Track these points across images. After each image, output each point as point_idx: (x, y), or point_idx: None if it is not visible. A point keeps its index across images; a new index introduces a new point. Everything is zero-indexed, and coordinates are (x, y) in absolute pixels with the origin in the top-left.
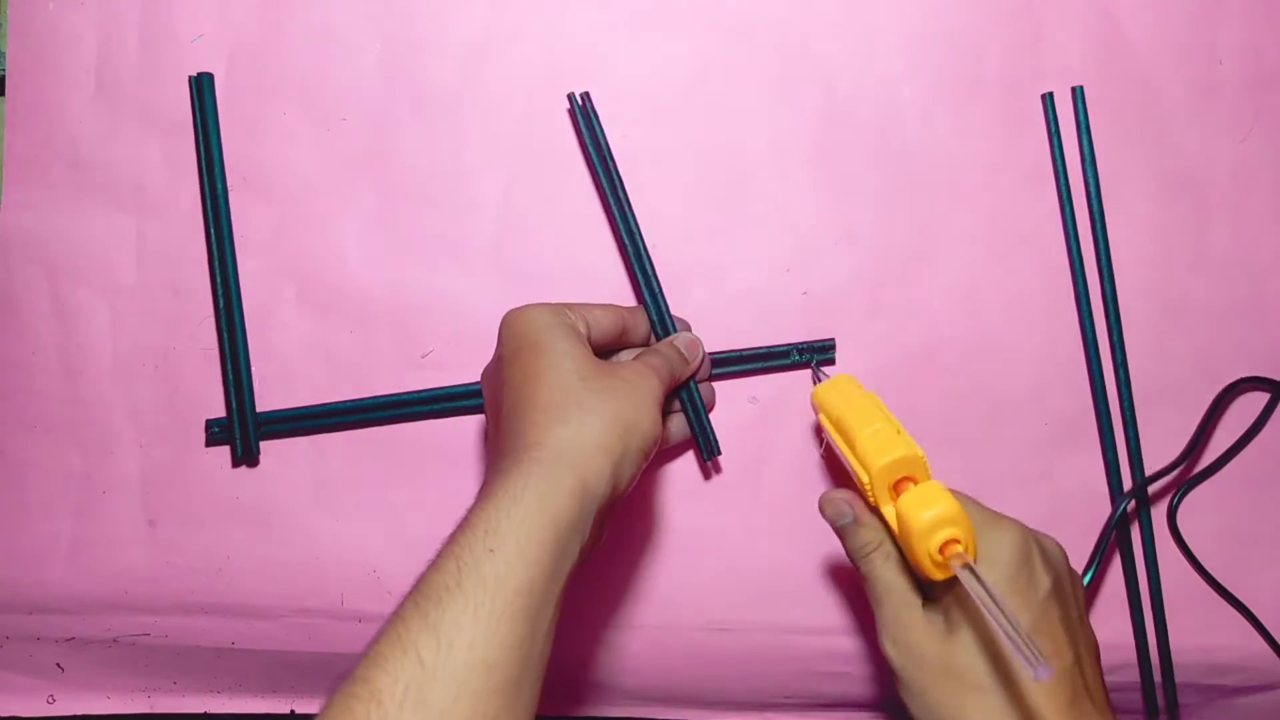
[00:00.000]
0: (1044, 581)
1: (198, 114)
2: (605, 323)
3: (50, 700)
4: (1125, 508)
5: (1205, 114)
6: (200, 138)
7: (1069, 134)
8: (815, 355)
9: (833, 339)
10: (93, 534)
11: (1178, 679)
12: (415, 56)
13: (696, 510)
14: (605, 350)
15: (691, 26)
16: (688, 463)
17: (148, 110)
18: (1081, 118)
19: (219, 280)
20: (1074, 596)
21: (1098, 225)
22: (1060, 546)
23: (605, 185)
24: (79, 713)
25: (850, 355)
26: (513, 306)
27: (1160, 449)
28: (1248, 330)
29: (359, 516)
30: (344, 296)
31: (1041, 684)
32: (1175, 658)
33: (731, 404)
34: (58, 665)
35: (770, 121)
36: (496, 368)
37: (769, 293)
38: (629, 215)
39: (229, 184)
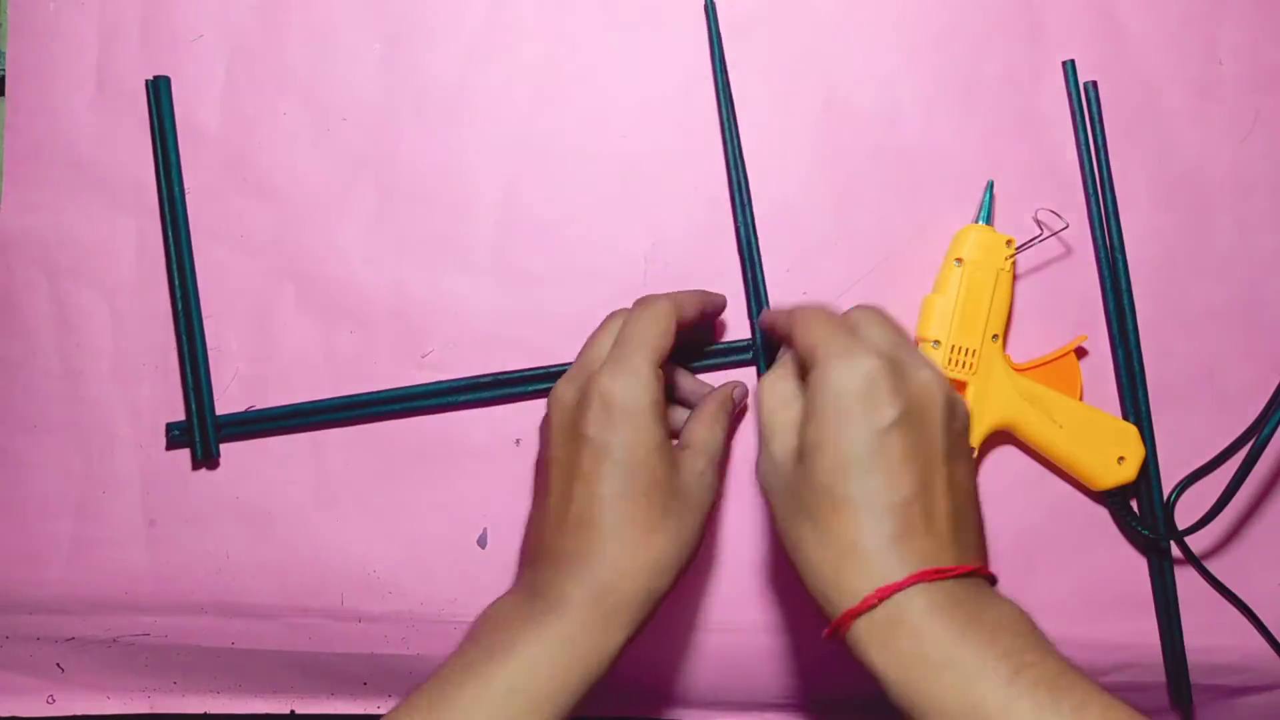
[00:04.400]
0: (887, 412)
1: (154, 117)
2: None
3: (50, 700)
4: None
5: (1205, 114)
6: (158, 141)
7: (1064, 120)
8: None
9: (747, 339)
10: (93, 534)
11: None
12: (415, 56)
13: None
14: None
15: (691, 26)
16: None
17: (148, 110)
18: (1094, 111)
19: (177, 285)
20: (945, 433)
21: (1111, 222)
22: (941, 381)
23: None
24: (79, 713)
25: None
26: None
27: (1160, 449)
28: (1248, 330)
29: (359, 516)
30: (344, 296)
31: (867, 513)
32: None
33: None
34: (58, 665)
35: (770, 121)
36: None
37: (769, 293)
38: None
39: (229, 183)
